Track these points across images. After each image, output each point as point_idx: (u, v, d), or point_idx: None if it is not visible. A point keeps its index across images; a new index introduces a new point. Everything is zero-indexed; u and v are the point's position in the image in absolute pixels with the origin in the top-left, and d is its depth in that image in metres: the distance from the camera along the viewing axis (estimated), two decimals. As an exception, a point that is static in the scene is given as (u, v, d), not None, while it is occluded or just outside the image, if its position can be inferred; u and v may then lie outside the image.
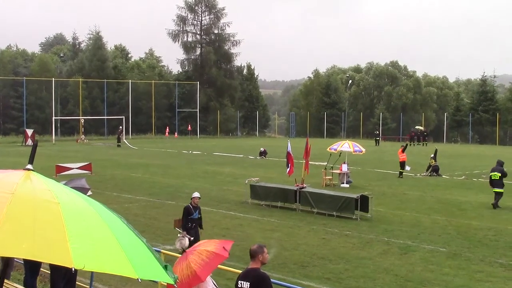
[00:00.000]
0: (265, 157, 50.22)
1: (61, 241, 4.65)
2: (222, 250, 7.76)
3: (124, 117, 78.81)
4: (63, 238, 4.67)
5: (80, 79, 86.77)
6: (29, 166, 5.53)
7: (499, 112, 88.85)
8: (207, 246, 7.81)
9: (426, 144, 77.28)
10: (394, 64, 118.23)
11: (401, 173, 36.92)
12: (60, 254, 4.60)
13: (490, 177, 26.54)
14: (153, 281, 7.42)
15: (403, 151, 37.57)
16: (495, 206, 25.54)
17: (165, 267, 5.55)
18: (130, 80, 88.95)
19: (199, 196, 16.82)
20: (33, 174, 5.42)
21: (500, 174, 26.21)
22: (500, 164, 26.88)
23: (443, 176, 37.59)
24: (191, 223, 16.26)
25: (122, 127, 72.09)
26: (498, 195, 25.82)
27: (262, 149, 51.61)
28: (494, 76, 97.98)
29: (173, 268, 7.55)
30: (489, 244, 18.68)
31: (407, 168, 37.51)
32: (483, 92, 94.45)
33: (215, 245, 7.86)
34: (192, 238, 15.08)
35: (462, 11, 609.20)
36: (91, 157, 45.39)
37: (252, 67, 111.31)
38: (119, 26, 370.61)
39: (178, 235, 15.12)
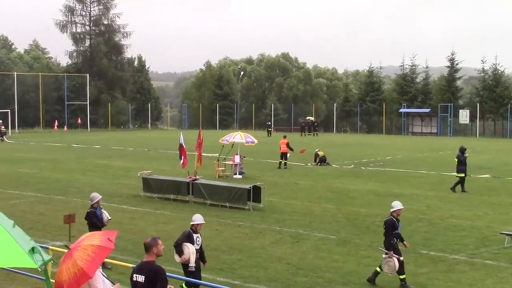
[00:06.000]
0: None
1: None
2: (108, 242, 7.56)
3: (9, 110, 75.91)
4: None
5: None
6: None
7: (385, 102, 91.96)
8: (91, 240, 7.57)
9: (317, 134, 78.93)
10: (285, 56, 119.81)
11: (285, 164, 37.04)
12: None
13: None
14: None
15: (288, 144, 37.69)
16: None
17: (32, 250, 5.31)
18: (15, 72, 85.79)
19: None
20: None
21: (457, 160, 28.18)
22: (460, 150, 28.49)
23: (333, 165, 38.43)
24: (396, 238, 13.63)
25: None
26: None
27: None
28: (380, 68, 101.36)
29: (59, 267, 7.34)
30: (377, 230, 19.20)
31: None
32: (370, 83, 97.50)
33: (100, 238, 7.64)
34: (401, 258, 13.37)
35: (348, 6, 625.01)
36: (-25, 153, 43.57)
37: (143, 59, 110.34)
38: (0, 15, 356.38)
39: (384, 256, 13.49)
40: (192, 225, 12.40)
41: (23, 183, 29.74)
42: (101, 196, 15.62)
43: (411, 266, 14.93)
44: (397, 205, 13.77)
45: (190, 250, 11.92)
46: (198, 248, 12.29)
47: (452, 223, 20.37)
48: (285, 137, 38.85)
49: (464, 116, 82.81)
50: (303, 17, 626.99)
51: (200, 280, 11.81)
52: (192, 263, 11.92)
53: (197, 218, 12.50)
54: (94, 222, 14.96)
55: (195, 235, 12.29)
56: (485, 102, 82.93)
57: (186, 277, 11.64)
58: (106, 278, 8.59)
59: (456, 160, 28.08)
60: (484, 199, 25.56)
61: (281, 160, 37.19)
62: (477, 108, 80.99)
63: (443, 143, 63.71)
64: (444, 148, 53.63)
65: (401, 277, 13.40)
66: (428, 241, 17.65)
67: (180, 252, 11.87)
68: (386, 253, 13.41)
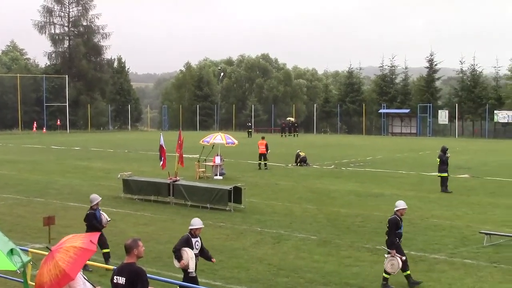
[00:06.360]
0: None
1: None
2: (90, 244, 7.53)
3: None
4: None
5: None
6: None
7: (365, 103, 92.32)
8: (73, 242, 7.54)
9: (297, 135, 79.05)
10: (265, 57, 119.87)
11: (265, 165, 37.13)
12: None
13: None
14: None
15: (266, 145, 37.68)
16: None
17: (11, 252, 5.25)
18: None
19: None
20: None
21: (439, 159, 28.18)
22: (442, 150, 28.56)
23: (313, 166, 38.50)
24: (399, 238, 13.66)
25: None
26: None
27: None
28: (360, 68, 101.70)
29: (40, 269, 7.28)
30: (357, 230, 19.35)
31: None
32: (350, 84, 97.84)
33: (82, 240, 7.60)
34: (404, 258, 13.42)
35: (329, 8, 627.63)
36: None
37: (123, 60, 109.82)
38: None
39: (386, 255, 13.51)
40: (191, 229, 11.99)
41: (2, 185, 29.48)
42: (100, 198, 15.53)
43: (392, 265, 14.99)
44: (401, 204, 13.78)
45: (188, 255, 11.58)
46: (197, 252, 11.94)
47: (432, 223, 20.49)
48: (263, 138, 38.89)
49: (443, 116, 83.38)
50: (284, 18, 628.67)
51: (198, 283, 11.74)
52: (191, 268, 11.61)
53: (196, 223, 12.06)
54: (93, 223, 14.91)
55: (193, 240, 11.91)
56: (464, 102, 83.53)
57: (186, 281, 11.51)
58: (87, 280, 8.54)
59: (438, 160, 28.22)
60: (463, 199, 25.75)
61: (260, 161, 37.19)
62: (455, 109, 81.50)
63: (422, 143, 64.11)
64: (424, 149, 53.98)
65: (385, 276, 13.43)
66: (409, 241, 17.68)
67: (179, 257, 11.64)
68: (389, 252, 13.39)
